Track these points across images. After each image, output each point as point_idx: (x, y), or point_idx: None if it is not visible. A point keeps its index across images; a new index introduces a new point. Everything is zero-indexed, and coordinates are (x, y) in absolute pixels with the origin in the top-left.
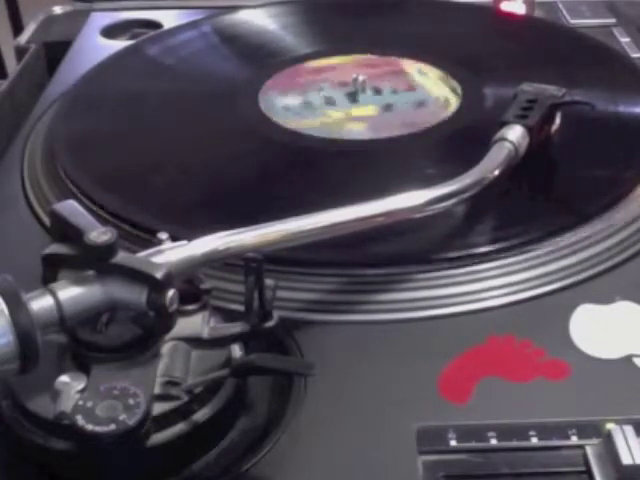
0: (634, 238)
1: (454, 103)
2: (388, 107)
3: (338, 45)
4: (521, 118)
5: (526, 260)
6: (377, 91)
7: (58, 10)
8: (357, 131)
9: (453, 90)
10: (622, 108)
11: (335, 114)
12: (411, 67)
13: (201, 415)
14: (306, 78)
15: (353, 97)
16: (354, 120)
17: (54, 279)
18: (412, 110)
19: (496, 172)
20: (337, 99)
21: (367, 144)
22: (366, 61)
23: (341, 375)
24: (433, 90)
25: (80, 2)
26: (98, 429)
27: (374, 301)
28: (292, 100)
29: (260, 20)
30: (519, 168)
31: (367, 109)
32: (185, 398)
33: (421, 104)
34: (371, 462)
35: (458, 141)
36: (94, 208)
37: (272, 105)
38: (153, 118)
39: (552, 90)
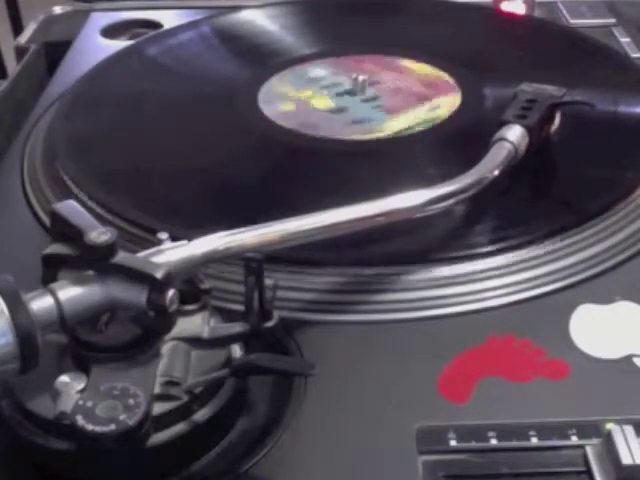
0: (634, 238)
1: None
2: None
3: (338, 45)
4: (521, 118)
5: (526, 260)
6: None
7: (58, 10)
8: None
9: None
10: (622, 108)
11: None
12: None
13: (201, 415)
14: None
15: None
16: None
17: (54, 279)
18: None
19: (496, 172)
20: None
21: (367, 144)
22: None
23: (341, 375)
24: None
25: (80, 2)
26: (98, 429)
27: (374, 301)
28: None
29: (260, 20)
30: (519, 168)
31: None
32: (185, 398)
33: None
34: (371, 462)
35: (458, 141)
36: (94, 208)
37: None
38: (153, 118)
39: (552, 90)
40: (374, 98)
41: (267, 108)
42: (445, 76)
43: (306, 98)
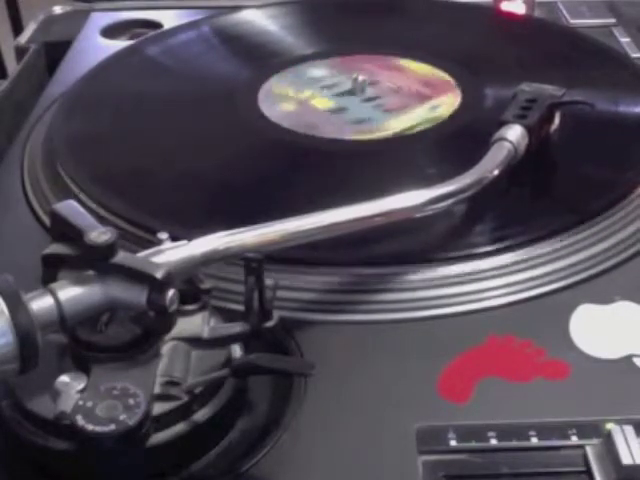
0: (634, 238)
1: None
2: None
3: (338, 45)
4: (520, 118)
5: (526, 260)
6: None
7: (58, 10)
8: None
9: None
10: (622, 108)
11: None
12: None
13: (201, 415)
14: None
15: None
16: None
17: (54, 279)
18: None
19: (495, 172)
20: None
21: (367, 144)
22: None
23: (341, 375)
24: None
25: (80, 2)
26: (98, 429)
27: (374, 301)
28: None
29: (260, 20)
30: (518, 168)
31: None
32: (185, 398)
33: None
34: (371, 462)
35: (458, 141)
36: (94, 208)
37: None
38: (153, 118)
39: (551, 90)
40: (374, 98)
41: (267, 108)
42: (445, 76)
43: (306, 98)
